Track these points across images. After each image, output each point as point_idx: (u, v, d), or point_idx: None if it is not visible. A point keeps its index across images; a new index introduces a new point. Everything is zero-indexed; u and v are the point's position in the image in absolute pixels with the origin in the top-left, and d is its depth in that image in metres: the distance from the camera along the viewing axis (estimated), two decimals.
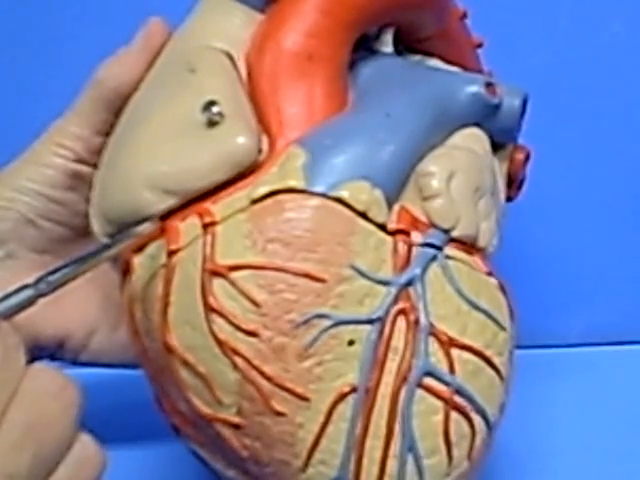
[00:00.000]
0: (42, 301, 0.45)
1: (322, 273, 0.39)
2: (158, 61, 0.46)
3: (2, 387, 0.31)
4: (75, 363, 0.50)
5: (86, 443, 0.34)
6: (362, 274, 0.39)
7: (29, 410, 0.31)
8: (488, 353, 0.41)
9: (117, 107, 0.47)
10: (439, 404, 0.40)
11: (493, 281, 0.43)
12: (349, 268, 0.39)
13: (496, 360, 0.41)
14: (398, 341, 0.40)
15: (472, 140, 0.45)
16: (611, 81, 0.62)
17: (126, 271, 0.43)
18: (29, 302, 0.36)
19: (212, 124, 0.41)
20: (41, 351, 0.48)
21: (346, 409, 0.39)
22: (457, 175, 0.42)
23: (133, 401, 0.53)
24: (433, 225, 0.42)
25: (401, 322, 0.40)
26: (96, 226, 0.44)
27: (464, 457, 0.41)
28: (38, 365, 0.33)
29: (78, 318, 0.49)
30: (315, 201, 0.40)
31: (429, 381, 0.40)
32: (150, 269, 0.41)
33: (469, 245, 0.43)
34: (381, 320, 0.39)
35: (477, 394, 0.41)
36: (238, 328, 0.38)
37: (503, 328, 0.42)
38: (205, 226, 0.40)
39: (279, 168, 0.40)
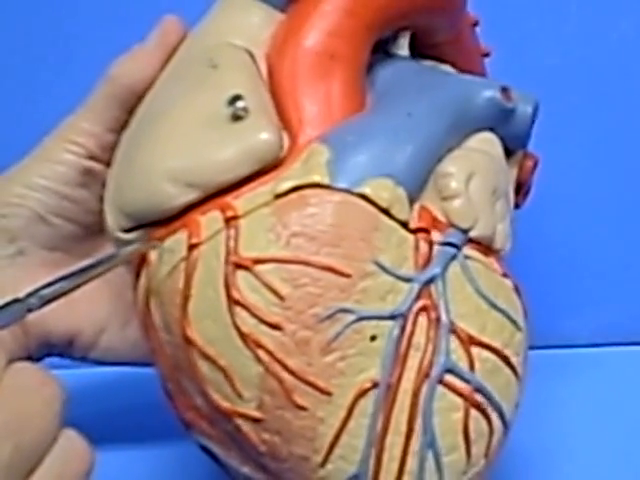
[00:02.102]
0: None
1: (346, 268, 0.39)
2: (175, 58, 0.46)
3: None
4: (84, 360, 0.49)
5: (72, 438, 0.34)
6: (385, 270, 0.40)
7: (9, 404, 0.32)
8: (506, 352, 0.41)
9: (130, 104, 0.47)
10: (459, 401, 0.40)
11: (508, 283, 0.43)
12: (372, 264, 0.39)
13: (513, 360, 0.42)
14: (419, 338, 0.40)
15: (487, 144, 0.45)
16: (620, 82, 0.63)
17: (141, 265, 0.42)
18: (18, 316, 0.37)
19: (236, 118, 0.41)
20: (51, 349, 0.48)
21: (367, 404, 0.39)
22: (475, 176, 0.43)
23: (137, 401, 0.53)
24: (452, 225, 0.42)
25: (422, 319, 0.40)
26: (110, 221, 0.43)
27: (481, 455, 0.41)
28: (19, 363, 0.33)
29: (88, 316, 0.48)
30: (339, 197, 0.40)
31: (450, 378, 0.40)
32: (169, 263, 0.41)
33: (485, 246, 0.43)
34: (403, 316, 0.40)
35: (495, 393, 0.41)
36: (261, 321, 0.38)
37: (519, 328, 0.42)
38: (227, 220, 0.40)
39: (302, 164, 0.41)
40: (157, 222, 0.42)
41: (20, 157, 0.48)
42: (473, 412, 0.40)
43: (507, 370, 0.41)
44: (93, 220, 0.49)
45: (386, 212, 0.40)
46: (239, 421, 0.39)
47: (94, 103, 0.48)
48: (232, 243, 0.39)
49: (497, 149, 0.46)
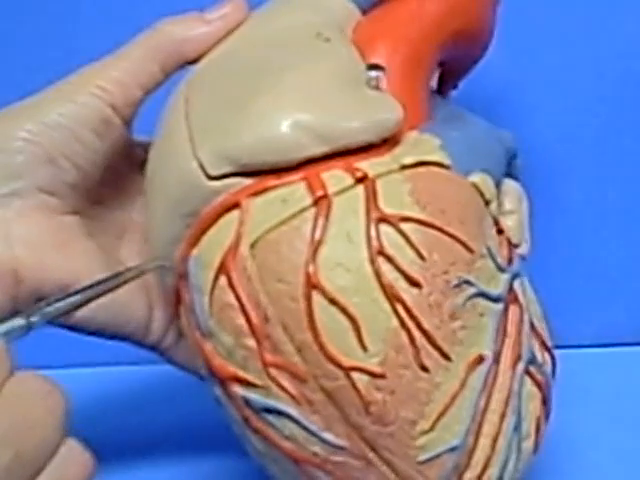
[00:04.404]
0: (49, 247, 0.42)
1: (472, 244, 0.40)
2: (254, 29, 0.45)
3: None
4: (66, 325, 0.44)
5: (73, 448, 0.33)
6: (492, 256, 0.42)
7: (11, 412, 0.31)
8: (555, 358, 0.44)
9: (170, 65, 0.45)
10: (536, 391, 0.42)
11: None
12: (485, 247, 0.41)
13: (555, 368, 0.45)
14: (511, 326, 0.42)
15: None
16: (625, 82, 0.62)
17: (218, 216, 0.41)
18: (19, 333, 0.36)
19: (370, 87, 0.42)
20: (40, 299, 0.43)
21: (475, 378, 0.40)
22: (523, 200, 0.47)
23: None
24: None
25: (512, 310, 0.42)
26: (192, 167, 0.41)
27: (537, 447, 0.43)
28: (24, 371, 0.33)
29: (84, 266, 0.45)
30: (460, 179, 0.42)
31: (532, 368, 0.42)
32: (283, 211, 0.39)
33: None
34: (504, 302, 0.42)
35: (551, 393, 0.44)
36: (404, 276, 0.39)
37: None
38: (359, 179, 0.40)
39: (412, 146, 0.42)
40: (264, 171, 0.40)
41: None
42: (542, 405, 0.43)
43: (551, 376, 0.44)
44: (95, 175, 0.46)
45: (487, 204, 0.43)
46: (355, 376, 0.38)
47: (131, 52, 0.45)
48: (372, 199, 0.39)
49: None
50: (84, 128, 0.44)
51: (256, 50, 0.44)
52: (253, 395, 0.40)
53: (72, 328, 0.45)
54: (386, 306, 0.38)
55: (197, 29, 0.45)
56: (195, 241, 0.41)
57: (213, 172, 0.41)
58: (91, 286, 0.40)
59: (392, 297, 0.38)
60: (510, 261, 0.43)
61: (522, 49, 0.61)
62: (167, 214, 0.43)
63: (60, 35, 0.62)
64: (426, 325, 0.39)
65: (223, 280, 0.40)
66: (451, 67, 0.50)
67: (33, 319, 0.36)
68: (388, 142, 0.42)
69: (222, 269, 0.40)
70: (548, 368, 0.44)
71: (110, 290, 0.40)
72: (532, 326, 0.43)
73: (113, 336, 0.46)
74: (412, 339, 0.38)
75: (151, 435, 0.55)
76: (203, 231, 0.41)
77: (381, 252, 0.38)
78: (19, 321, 0.36)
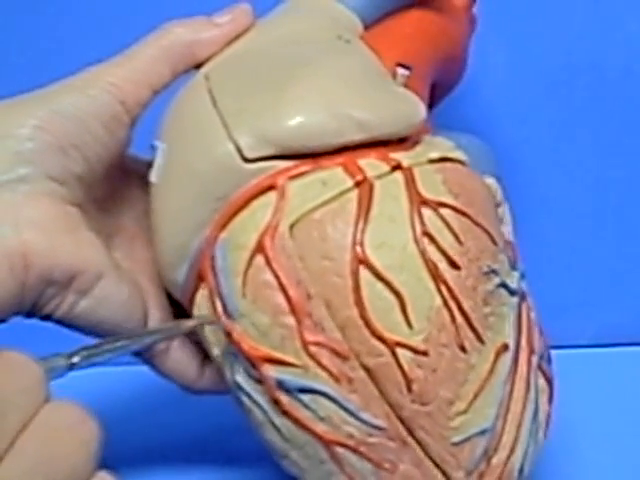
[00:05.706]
0: (58, 232, 0.42)
1: (495, 237, 0.42)
2: (271, 31, 0.46)
3: (16, 415, 0.31)
4: (64, 323, 0.44)
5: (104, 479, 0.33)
6: (506, 252, 0.43)
7: (43, 440, 0.31)
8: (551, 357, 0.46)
9: (179, 67, 0.46)
10: (546, 386, 0.44)
11: None
12: (502, 242, 0.43)
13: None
14: (524, 322, 0.43)
15: None
16: (625, 83, 0.62)
17: (255, 195, 0.41)
18: (59, 372, 0.35)
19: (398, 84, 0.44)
20: (47, 288, 0.42)
21: (502, 365, 0.41)
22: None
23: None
24: None
25: (524, 306, 0.44)
26: (229, 149, 0.41)
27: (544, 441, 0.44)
28: (59, 399, 0.33)
29: (92, 255, 0.44)
30: (480, 177, 0.44)
31: (543, 364, 0.44)
32: (323, 193, 0.40)
33: None
34: (519, 296, 0.43)
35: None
36: (446, 257, 0.40)
37: None
38: (394, 167, 0.41)
39: (427, 145, 0.43)
40: (301, 155, 0.41)
41: None
42: (549, 400, 0.44)
43: None
44: (99, 171, 0.45)
45: (497, 207, 0.45)
46: (400, 352, 0.39)
47: (142, 52, 0.45)
48: (411, 185, 0.41)
49: None
50: (95, 120, 0.44)
51: (278, 46, 0.45)
52: (288, 376, 0.40)
53: (72, 324, 0.44)
54: (431, 285, 0.39)
55: (208, 32, 0.46)
56: (225, 224, 0.41)
57: (251, 155, 0.41)
58: (134, 336, 0.39)
59: (436, 277, 0.39)
60: (515, 264, 0.45)
61: (513, 51, 0.61)
62: (192, 201, 0.42)
63: (60, 38, 0.62)
64: (465, 306, 0.40)
65: (260, 260, 0.40)
66: (433, 92, 0.53)
67: (75, 360, 0.35)
68: (408, 141, 0.43)
69: (259, 249, 0.40)
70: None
71: (155, 342, 0.42)
72: (538, 322, 0.45)
73: (111, 334, 0.44)
74: (453, 319, 0.39)
75: (159, 438, 0.54)
76: (234, 214, 0.41)
77: (425, 233, 0.40)
78: (60, 360, 0.34)
